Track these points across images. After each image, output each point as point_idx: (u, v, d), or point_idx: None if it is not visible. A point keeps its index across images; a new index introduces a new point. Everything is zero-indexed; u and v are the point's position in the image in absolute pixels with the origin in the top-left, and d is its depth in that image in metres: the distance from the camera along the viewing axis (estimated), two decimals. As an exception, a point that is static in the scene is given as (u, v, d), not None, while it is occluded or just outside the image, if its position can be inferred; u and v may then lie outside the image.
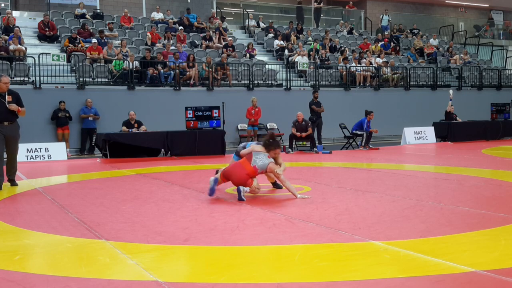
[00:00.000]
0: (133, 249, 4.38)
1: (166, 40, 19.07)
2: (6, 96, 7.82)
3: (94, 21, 19.74)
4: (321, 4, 25.71)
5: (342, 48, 21.83)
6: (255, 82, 18.27)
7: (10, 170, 8.28)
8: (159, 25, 20.15)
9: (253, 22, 23.29)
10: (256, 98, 16.60)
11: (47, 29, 17.80)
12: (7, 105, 7.78)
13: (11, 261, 4.12)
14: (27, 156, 12.62)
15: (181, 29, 19.83)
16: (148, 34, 19.05)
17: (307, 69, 19.47)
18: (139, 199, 6.96)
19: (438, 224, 5.13)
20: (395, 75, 20.97)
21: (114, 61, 16.48)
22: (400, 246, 4.30)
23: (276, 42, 21.25)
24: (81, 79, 15.71)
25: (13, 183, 8.38)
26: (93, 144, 14.84)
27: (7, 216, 5.94)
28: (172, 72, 17.04)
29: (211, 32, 20.67)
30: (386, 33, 24.93)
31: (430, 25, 29.62)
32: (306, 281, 3.52)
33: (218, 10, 24.12)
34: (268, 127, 17.68)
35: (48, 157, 12.83)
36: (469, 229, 4.89)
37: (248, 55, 19.83)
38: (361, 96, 19.72)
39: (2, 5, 20.55)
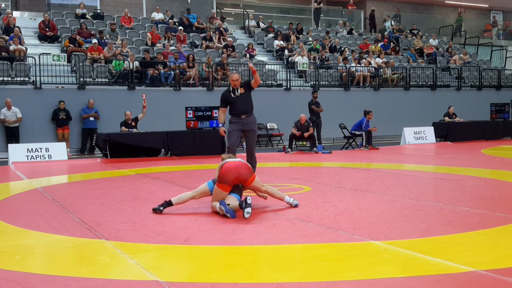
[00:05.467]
0: (133, 249, 4.38)
1: (166, 40, 19.08)
2: (239, 90, 8.06)
3: (94, 21, 19.75)
4: (321, 5, 25.73)
5: (342, 48, 21.84)
6: (255, 82, 18.25)
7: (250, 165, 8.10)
8: (159, 25, 20.16)
9: (253, 23, 23.31)
10: None
11: (47, 29, 17.80)
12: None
13: (12, 261, 4.12)
14: (27, 156, 12.63)
15: (181, 29, 19.86)
16: (148, 34, 19.06)
17: (307, 69, 19.48)
18: (140, 199, 6.96)
19: (438, 224, 5.14)
20: (395, 75, 20.98)
21: (114, 61, 16.49)
22: (400, 246, 4.31)
23: (276, 42, 21.26)
24: (81, 79, 15.72)
25: None
26: (93, 144, 14.84)
27: (7, 216, 5.94)
28: (172, 72, 17.05)
29: (211, 32, 20.68)
30: (386, 33, 24.92)
31: (429, 25, 29.65)
32: (306, 281, 3.52)
33: (218, 10, 24.13)
34: (268, 127, 17.71)
35: (48, 157, 12.83)
36: (469, 229, 4.90)
37: (248, 55, 19.84)
38: (361, 96, 19.73)
39: (3, 5, 20.56)
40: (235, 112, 8.11)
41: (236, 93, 8.10)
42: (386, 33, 25.00)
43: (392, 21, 26.11)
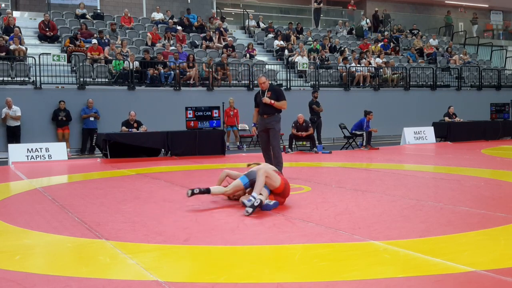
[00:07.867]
0: (133, 249, 4.38)
1: (166, 40, 19.08)
2: (266, 92, 8.76)
3: (94, 21, 19.75)
4: (321, 5, 25.71)
5: (342, 48, 21.84)
6: (255, 82, 18.27)
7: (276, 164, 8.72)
8: (159, 25, 20.16)
9: (253, 23, 23.30)
10: (233, 99, 16.57)
11: (47, 29, 17.80)
12: (262, 99, 8.75)
13: (12, 261, 4.12)
14: (27, 156, 12.63)
15: (181, 29, 19.85)
16: (148, 34, 19.06)
17: (307, 69, 19.49)
18: (140, 199, 6.96)
19: (438, 224, 5.14)
20: (395, 75, 20.98)
21: (114, 61, 16.49)
22: (400, 246, 4.31)
23: (276, 42, 21.26)
24: (81, 79, 15.72)
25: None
26: (93, 144, 14.84)
27: (7, 216, 5.94)
28: (172, 72, 17.05)
29: (211, 32, 20.68)
30: (365, 38, 24.36)
31: (429, 25, 29.64)
32: (306, 281, 3.53)
33: (218, 10, 24.13)
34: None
35: (48, 157, 12.83)
36: (469, 229, 4.90)
37: (248, 55, 19.84)
38: (361, 96, 19.73)
39: (3, 5, 20.55)
40: (260, 112, 8.90)
41: (264, 95, 8.81)
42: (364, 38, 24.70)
43: (368, 20, 25.94)
